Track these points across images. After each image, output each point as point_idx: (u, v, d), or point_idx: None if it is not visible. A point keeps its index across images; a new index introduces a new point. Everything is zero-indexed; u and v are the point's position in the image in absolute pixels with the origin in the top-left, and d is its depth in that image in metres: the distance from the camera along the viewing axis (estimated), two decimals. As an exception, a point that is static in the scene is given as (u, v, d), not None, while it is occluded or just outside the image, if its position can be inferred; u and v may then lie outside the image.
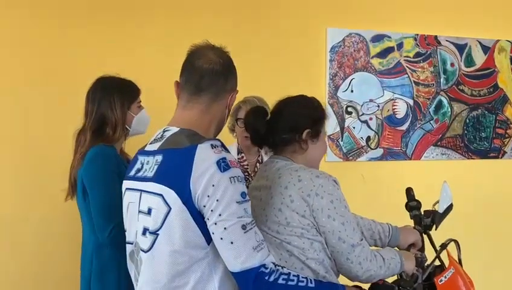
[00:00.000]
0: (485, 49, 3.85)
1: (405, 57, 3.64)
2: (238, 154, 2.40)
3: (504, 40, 3.90)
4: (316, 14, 3.45)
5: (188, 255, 1.22)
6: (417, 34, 3.67)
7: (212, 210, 1.19)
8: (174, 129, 1.35)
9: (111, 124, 1.88)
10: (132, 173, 1.40)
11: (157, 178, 1.27)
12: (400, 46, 3.63)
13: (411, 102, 3.66)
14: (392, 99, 3.61)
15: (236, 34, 3.25)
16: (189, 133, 1.31)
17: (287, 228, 1.38)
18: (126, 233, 1.39)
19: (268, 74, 3.37)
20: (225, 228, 1.18)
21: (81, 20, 2.96)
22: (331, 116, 3.42)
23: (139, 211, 1.32)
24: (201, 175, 1.20)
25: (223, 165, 1.21)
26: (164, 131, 1.37)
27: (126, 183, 1.43)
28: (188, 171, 1.20)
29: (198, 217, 1.21)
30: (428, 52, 3.70)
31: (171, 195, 1.21)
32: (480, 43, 3.83)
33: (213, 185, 1.19)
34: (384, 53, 3.59)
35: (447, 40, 3.74)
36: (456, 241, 1.67)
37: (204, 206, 1.20)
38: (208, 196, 1.19)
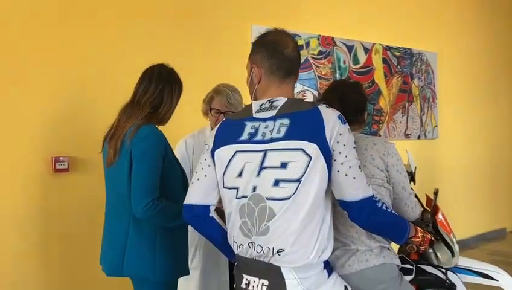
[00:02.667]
0: (366, 50, 4.66)
1: (311, 54, 4.20)
2: None
3: (378, 43, 4.77)
4: (242, 13, 3.79)
5: (319, 193, 1.47)
6: (320, 35, 4.26)
7: (340, 152, 1.48)
8: (283, 99, 1.57)
9: (166, 107, 1.99)
10: (244, 137, 1.56)
11: (292, 135, 1.48)
12: (308, 44, 4.17)
13: (316, 94, 4.24)
14: (303, 91, 4.14)
15: (163, 34, 3.42)
16: (298, 100, 1.57)
17: (371, 179, 1.73)
18: (239, 190, 1.53)
19: (202, 64, 3.59)
20: (350, 167, 1.48)
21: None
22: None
23: (263, 168, 1.50)
24: (331, 127, 1.48)
25: (342, 119, 1.52)
26: (271, 102, 1.58)
27: (235, 147, 1.56)
28: (321, 126, 1.47)
29: (329, 160, 1.48)
30: (328, 50, 4.33)
31: (311, 147, 1.45)
32: (362, 45, 4.62)
33: (340, 134, 1.49)
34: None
35: (340, 42, 4.43)
36: (438, 190, 2.21)
37: (333, 150, 1.48)
38: (337, 142, 1.48)
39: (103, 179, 2.93)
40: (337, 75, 4.40)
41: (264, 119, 1.56)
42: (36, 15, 2.89)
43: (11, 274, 2.83)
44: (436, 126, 5.41)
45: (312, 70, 4.21)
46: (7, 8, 2.81)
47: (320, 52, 4.27)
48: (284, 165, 1.48)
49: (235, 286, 1.66)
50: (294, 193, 1.46)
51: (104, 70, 3.14)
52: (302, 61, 4.05)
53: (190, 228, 2.07)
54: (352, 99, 1.91)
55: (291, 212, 1.47)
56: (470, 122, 5.84)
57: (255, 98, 1.69)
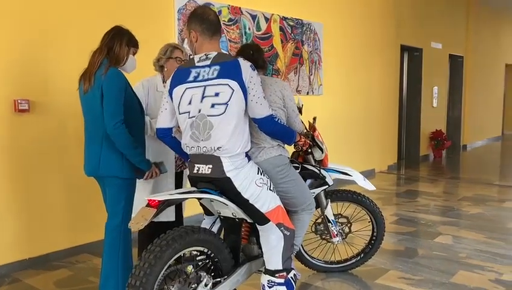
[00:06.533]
0: (266, 19, 5.63)
1: (223, 21, 5.06)
2: (163, 82, 3.36)
3: (276, 14, 5.76)
4: (167, -17, 4.53)
5: (240, 112, 2.37)
6: (229, 5, 5.13)
7: (252, 88, 2.36)
8: (214, 53, 2.41)
9: (116, 49, 2.73)
10: (191, 78, 2.39)
11: (221, 76, 2.33)
12: (220, 12, 5.02)
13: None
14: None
15: (100, 5, 4.08)
16: (224, 54, 2.45)
17: (274, 104, 2.66)
18: (190, 113, 2.37)
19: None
20: (258, 97, 2.38)
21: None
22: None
23: (204, 97, 2.35)
24: (246, 72, 2.35)
25: (252, 67, 2.40)
26: (206, 55, 2.42)
27: (185, 86, 2.39)
28: (240, 71, 2.34)
29: (245, 93, 2.36)
30: (236, 18, 5.23)
31: (233, 83, 2.32)
32: (263, 15, 5.58)
33: (251, 77, 2.37)
34: (210, 17, 4.92)
35: (246, 11, 5.34)
36: (315, 117, 3.25)
37: (247, 87, 2.36)
38: (250, 82, 2.36)
39: (58, 118, 3.76)
40: (243, 39, 5.32)
41: (203, 66, 2.41)
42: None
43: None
44: (321, 84, 6.62)
45: (224, 35, 5.09)
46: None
47: (230, 20, 5.15)
48: (217, 94, 2.37)
49: (188, 174, 2.56)
50: (224, 112, 2.36)
51: (54, 30, 3.75)
52: (215, 27, 4.98)
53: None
54: (256, 53, 2.85)
55: (224, 124, 2.37)
56: (348, 82, 7.14)
57: (195, 53, 2.54)
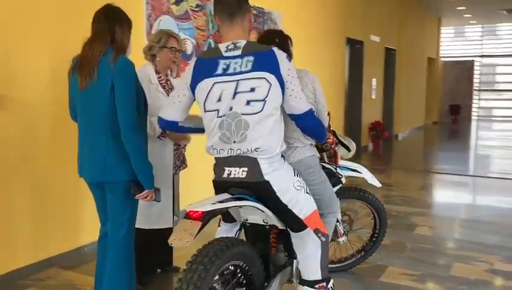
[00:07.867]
0: (231, 6, 5.32)
1: (190, 6, 4.69)
2: (156, 73, 2.99)
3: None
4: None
5: (277, 108, 2.10)
6: (197, -10, 4.77)
7: (290, 82, 2.11)
8: (243, 41, 2.11)
9: (119, 35, 2.35)
10: (219, 71, 2.08)
11: (257, 68, 2.04)
12: (187, -3, 4.65)
13: (194, 42, 4.78)
14: (184, 39, 4.64)
15: None
16: (255, 43, 2.15)
17: (307, 99, 2.42)
18: (219, 111, 2.08)
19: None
20: (298, 92, 2.14)
21: None
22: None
23: (236, 93, 2.05)
24: (283, 64, 2.08)
25: (288, 58, 2.14)
26: (235, 44, 2.10)
27: (213, 80, 2.08)
28: (277, 63, 2.07)
29: (283, 88, 2.10)
30: (203, 4, 4.87)
31: (271, 77, 2.05)
32: (228, 1, 5.27)
33: (289, 69, 2.11)
34: (178, 2, 4.53)
35: (212, -3, 5.00)
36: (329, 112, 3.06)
37: (286, 80, 2.10)
38: (288, 75, 2.11)
39: (25, 117, 3.24)
40: (210, 26, 4.99)
41: (234, 57, 2.11)
42: None
43: None
44: (281, 76, 6.44)
45: (191, 21, 4.72)
46: None
47: (197, 6, 4.78)
48: (252, 90, 2.08)
49: (214, 178, 2.24)
50: (262, 109, 2.08)
51: (18, 20, 3.19)
52: (183, 12, 4.60)
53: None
54: (283, 41, 2.59)
55: (262, 123, 2.09)
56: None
57: (223, 41, 2.22)
